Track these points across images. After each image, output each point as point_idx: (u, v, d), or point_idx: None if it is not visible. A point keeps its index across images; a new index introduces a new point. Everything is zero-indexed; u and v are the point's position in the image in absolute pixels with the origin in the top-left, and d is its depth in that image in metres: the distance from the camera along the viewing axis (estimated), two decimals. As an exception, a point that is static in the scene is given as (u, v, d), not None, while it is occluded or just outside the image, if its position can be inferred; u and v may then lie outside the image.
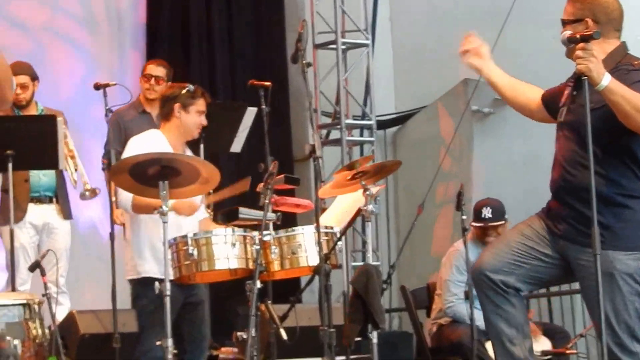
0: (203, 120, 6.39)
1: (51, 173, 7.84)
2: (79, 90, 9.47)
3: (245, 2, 10.39)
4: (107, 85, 7.11)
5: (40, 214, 7.90)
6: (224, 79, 9.99)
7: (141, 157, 5.92)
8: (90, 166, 8.04)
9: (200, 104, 6.38)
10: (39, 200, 7.90)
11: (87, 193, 7.69)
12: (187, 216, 6.17)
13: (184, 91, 6.43)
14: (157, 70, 8.03)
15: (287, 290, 7.35)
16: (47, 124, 7.26)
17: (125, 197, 6.21)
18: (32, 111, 7.75)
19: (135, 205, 6.20)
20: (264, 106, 7.22)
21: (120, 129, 7.95)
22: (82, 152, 8.18)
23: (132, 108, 8.12)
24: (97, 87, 7.13)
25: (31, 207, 7.83)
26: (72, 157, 7.80)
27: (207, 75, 9.92)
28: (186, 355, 6.44)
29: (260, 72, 8.50)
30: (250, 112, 7.87)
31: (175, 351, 6.12)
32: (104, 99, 6.99)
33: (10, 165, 7.08)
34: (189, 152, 6.50)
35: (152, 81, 7.94)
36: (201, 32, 10.13)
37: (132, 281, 6.37)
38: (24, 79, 7.78)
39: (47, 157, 7.30)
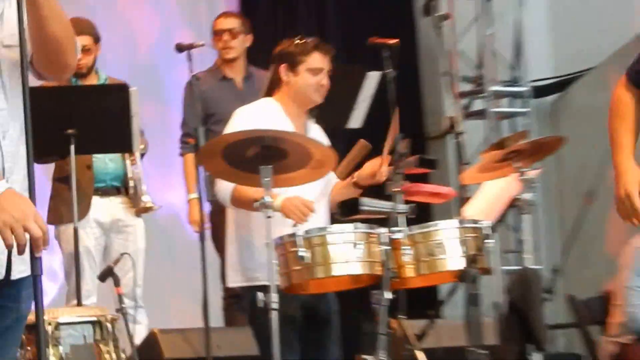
0: (322, 80, 6.29)
1: (118, 158, 7.84)
2: (155, 54, 9.66)
3: None
4: (192, 46, 7.12)
5: (107, 209, 7.91)
6: (337, 37, 9.97)
7: (237, 136, 5.95)
8: (171, 151, 8.15)
9: (314, 60, 6.29)
10: (105, 192, 7.89)
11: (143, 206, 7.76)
12: (298, 222, 6.15)
13: (291, 46, 6.36)
14: (228, 22, 8.13)
15: (424, 302, 7.42)
16: (117, 96, 7.17)
17: (224, 188, 6.20)
18: (93, 81, 7.81)
19: (235, 198, 6.20)
20: (389, 70, 7.00)
21: (197, 100, 7.92)
22: (156, 133, 8.27)
23: (210, 75, 8.22)
24: (179, 48, 7.19)
25: (96, 200, 7.83)
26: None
27: (315, 33, 9.68)
28: None
29: (382, 27, 8.64)
30: (372, 78, 7.75)
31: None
32: (188, 63, 7.08)
33: (72, 148, 7.02)
34: (314, 127, 6.51)
35: (226, 36, 7.96)
36: None
37: (243, 289, 6.37)
38: (86, 39, 7.65)
39: (118, 137, 7.25)
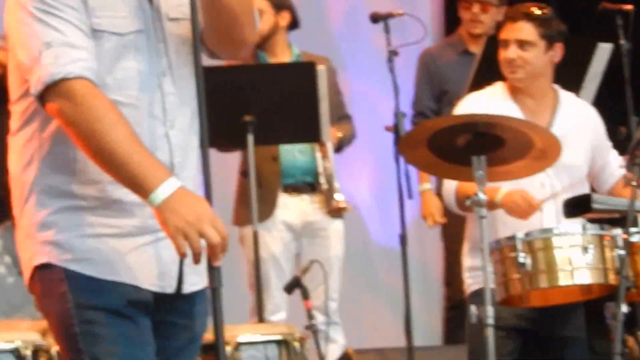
0: (508, 53, 5.82)
1: (309, 149, 7.34)
2: (347, 24, 9.42)
3: None
4: (391, 15, 6.73)
5: (298, 209, 7.39)
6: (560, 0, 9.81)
7: (445, 122, 5.71)
8: (374, 135, 7.70)
9: (507, 29, 5.84)
10: (295, 188, 7.35)
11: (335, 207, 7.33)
12: (521, 219, 5.74)
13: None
14: None
15: None
16: (303, 76, 6.81)
17: (448, 190, 5.88)
18: (284, 57, 7.34)
19: (461, 199, 5.81)
20: (622, 41, 6.69)
21: (432, 75, 7.64)
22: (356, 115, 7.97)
23: (449, 47, 7.84)
24: (374, 18, 6.82)
25: (284, 199, 7.34)
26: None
27: None
28: None
29: None
30: (603, 51, 7.14)
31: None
32: (385, 35, 6.69)
33: (250, 138, 6.58)
34: (559, 117, 6.00)
35: (475, 8, 7.47)
36: None
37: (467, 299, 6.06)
38: (259, 3, 7.21)
39: (304, 124, 6.85)
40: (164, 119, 3.82)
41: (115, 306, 3.75)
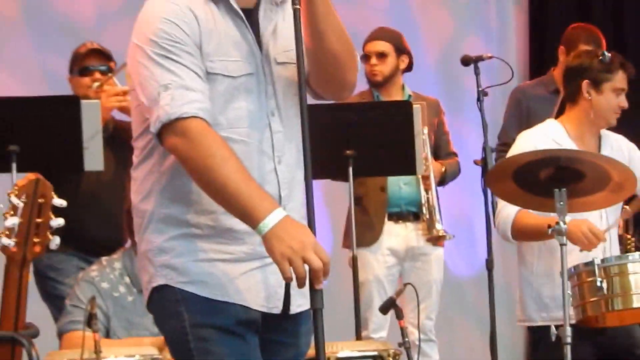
0: (623, 102, 5.84)
1: (413, 181, 7.38)
2: (446, 60, 9.48)
3: None
4: (481, 58, 6.72)
5: (402, 235, 7.49)
6: (637, 41, 9.60)
7: (531, 156, 5.60)
8: (464, 168, 7.74)
9: (619, 79, 5.84)
10: (400, 216, 7.45)
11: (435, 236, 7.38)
12: (585, 249, 5.71)
13: (595, 61, 5.91)
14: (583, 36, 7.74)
15: None
16: (400, 112, 6.79)
17: (505, 215, 5.85)
18: (396, 96, 7.38)
19: (516, 229, 5.82)
20: None
21: (522, 109, 7.58)
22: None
23: (541, 85, 7.74)
24: (466, 61, 6.78)
25: (390, 226, 7.43)
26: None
27: (612, 38, 9.57)
28: None
29: None
30: None
31: None
32: (475, 77, 6.69)
33: (350, 170, 6.64)
34: (607, 149, 6.07)
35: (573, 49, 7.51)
36: None
37: (531, 328, 6.08)
38: (382, 45, 7.37)
39: (399, 158, 6.82)
40: (272, 155, 3.86)
41: (227, 325, 3.84)
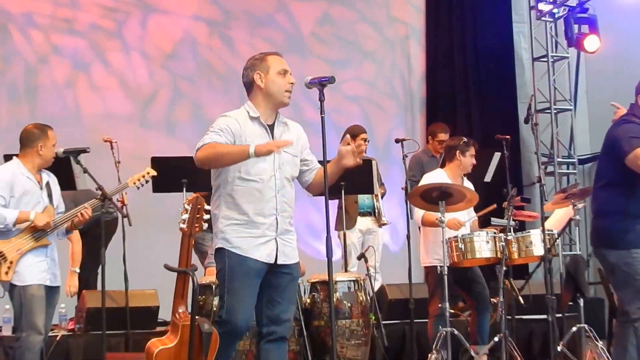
0: (473, 161, 7.63)
1: (371, 197, 8.93)
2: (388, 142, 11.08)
3: (490, 88, 12.71)
4: (404, 139, 8.24)
5: (365, 223, 9.19)
6: (478, 133, 11.73)
7: (429, 186, 7.29)
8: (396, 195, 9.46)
9: (472, 150, 7.65)
10: (364, 214, 9.16)
11: None
12: (454, 230, 7.29)
13: (461, 142, 7.70)
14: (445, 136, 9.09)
15: (522, 271, 8.99)
16: (366, 165, 7.81)
17: (418, 214, 7.54)
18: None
19: (424, 221, 7.51)
20: (505, 152, 8.00)
21: (420, 163, 9.11)
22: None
23: (425, 152, 9.34)
24: (397, 140, 8.29)
25: (359, 219, 9.10)
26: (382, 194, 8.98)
27: (467, 131, 11.59)
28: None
29: (501, 130, 9.23)
30: (497, 156, 8.96)
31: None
32: (401, 149, 8.23)
33: (342, 192, 8.15)
34: (466, 182, 7.71)
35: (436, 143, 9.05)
36: (463, 103, 12.44)
37: (430, 266, 7.57)
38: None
39: (366, 185, 8.21)
40: (275, 189, 5.19)
41: (247, 269, 5.14)
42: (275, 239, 5.21)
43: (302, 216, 10.62)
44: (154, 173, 7.02)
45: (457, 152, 7.59)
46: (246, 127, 5.15)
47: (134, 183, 6.92)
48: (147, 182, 6.96)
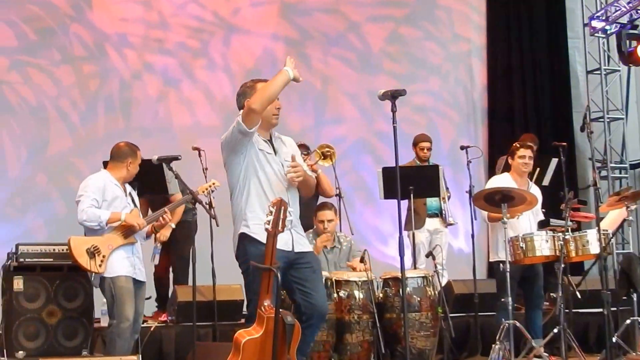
0: (525, 161, 7.69)
1: (438, 199, 9.03)
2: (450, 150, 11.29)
3: (547, 99, 12.79)
4: (469, 146, 8.62)
5: (432, 223, 9.41)
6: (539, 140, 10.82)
7: (492, 190, 7.42)
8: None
9: (520, 152, 7.72)
10: (431, 215, 9.31)
11: None
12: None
13: (513, 146, 7.88)
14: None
15: (579, 268, 9.45)
16: (432, 171, 8.31)
17: (484, 214, 7.61)
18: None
19: (489, 215, 7.63)
20: (562, 158, 8.13)
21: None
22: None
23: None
24: (462, 147, 8.69)
25: (428, 219, 9.22)
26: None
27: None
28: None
29: (557, 137, 9.82)
30: (554, 162, 9.17)
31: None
32: (466, 155, 8.64)
33: (411, 196, 8.28)
34: (532, 186, 7.80)
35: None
36: (521, 113, 12.58)
37: (495, 262, 7.57)
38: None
39: (432, 189, 8.22)
40: (285, 184, 5.46)
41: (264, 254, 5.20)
42: (290, 230, 5.36)
43: (370, 221, 10.88)
44: (219, 184, 7.20)
45: (508, 157, 7.68)
46: (257, 139, 5.50)
47: (202, 192, 7.14)
48: (212, 191, 7.19)
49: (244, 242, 5.41)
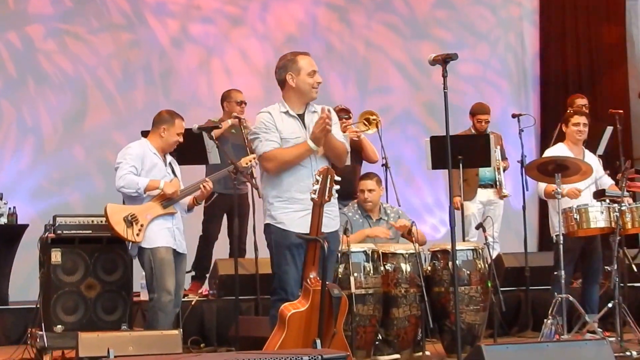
0: (579, 129, 7.70)
1: (491, 169, 8.90)
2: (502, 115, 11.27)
3: (601, 65, 12.55)
4: (520, 114, 8.73)
5: (485, 195, 9.29)
6: (589, 108, 10.35)
7: (546, 159, 7.43)
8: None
9: (575, 119, 7.77)
10: (484, 186, 9.21)
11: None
12: (573, 198, 7.38)
13: (567, 114, 7.93)
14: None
15: (636, 240, 9.20)
16: (484, 139, 8.29)
17: (540, 187, 7.65)
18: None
19: (546, 191, 7.56)
20: (619, 126, 8.41)
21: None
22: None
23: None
24: (514, 115, 8.79)
25: (479, 190, 9.21)
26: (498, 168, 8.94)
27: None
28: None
29: (612, 105, 9.82)
30: (609, 130, 9.11)
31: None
32: (518, 123, 8.66)
33: (460, 166, 8.08)
34: (587, 154, 7.75)
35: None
36: (575, 80, 12.41)
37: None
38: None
39: (484, 159, 8.22)
40: (311, 169, 5.44)
41: (288, 242, 5.41)
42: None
43: (417, 194, 10.89)
44: None
45: (562, 125, 7.64)
46: (279, 118, 5.51)
47: (246, 164, 7.12)
48: (257, 164, 6.92)
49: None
